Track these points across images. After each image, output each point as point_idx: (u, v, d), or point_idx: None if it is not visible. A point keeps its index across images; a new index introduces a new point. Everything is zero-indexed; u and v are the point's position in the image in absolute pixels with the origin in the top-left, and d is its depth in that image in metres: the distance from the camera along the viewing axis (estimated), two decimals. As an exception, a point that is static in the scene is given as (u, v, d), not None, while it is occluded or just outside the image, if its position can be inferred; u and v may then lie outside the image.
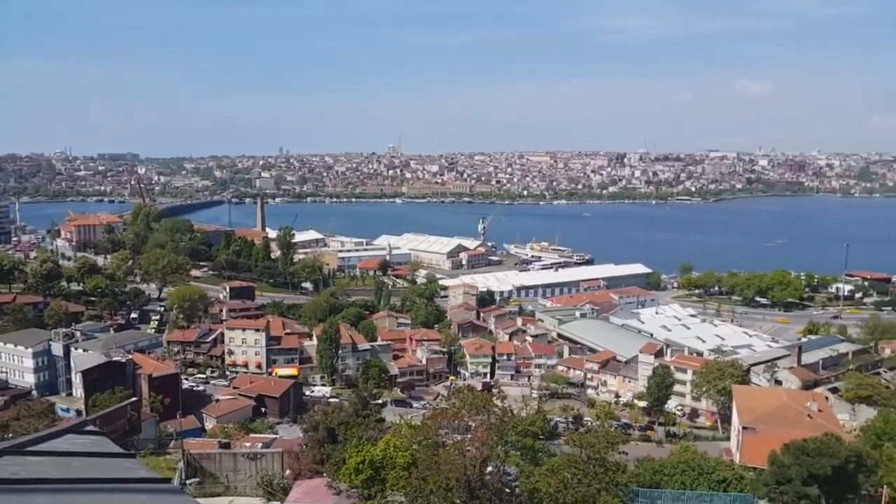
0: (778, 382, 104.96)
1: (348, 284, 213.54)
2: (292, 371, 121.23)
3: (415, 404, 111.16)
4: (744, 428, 69.39)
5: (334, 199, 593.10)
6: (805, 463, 51.17)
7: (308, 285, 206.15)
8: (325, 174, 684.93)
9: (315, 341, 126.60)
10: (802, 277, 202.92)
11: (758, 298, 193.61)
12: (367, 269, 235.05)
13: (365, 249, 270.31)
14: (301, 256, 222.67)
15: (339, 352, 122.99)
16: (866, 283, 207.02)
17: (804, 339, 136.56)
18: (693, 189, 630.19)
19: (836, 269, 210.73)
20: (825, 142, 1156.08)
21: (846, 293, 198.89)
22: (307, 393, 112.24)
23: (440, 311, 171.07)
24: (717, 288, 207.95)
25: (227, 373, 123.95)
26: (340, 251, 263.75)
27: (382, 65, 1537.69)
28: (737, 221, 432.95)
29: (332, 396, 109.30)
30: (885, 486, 52.57)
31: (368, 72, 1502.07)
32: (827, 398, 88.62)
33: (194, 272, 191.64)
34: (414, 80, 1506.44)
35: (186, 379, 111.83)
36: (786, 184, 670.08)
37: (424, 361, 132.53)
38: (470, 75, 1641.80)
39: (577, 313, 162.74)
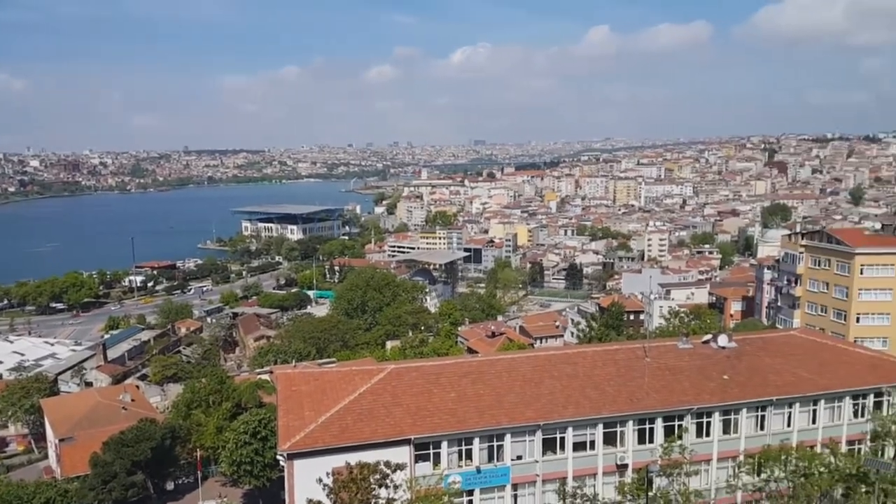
0: (88, 384, 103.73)
1: None
2: None
3: None
4: (60, 440, 66.61)
5: None
6: (126, 454, 53.01)
7: None
8: None
9: None
10: (95, 276, 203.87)
11: (54, 304, 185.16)
12: None
13: None
14: None
15: None
16: (155, 272, 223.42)
17: (107, 336, 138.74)
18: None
19: (126, 262, 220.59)
20: (97, 141, 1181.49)
21: (139, 284, 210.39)
22: None
23: None
24: (6, 301, 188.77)
25: None
26: None
27: None
28: (11, 228, 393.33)
29: None
30: (197, 448, 59.28)
31: None
32: (138, 386, 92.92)
33: None
34: None
35: None
36: (63, 184, 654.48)
37: None
38: None
39: None
